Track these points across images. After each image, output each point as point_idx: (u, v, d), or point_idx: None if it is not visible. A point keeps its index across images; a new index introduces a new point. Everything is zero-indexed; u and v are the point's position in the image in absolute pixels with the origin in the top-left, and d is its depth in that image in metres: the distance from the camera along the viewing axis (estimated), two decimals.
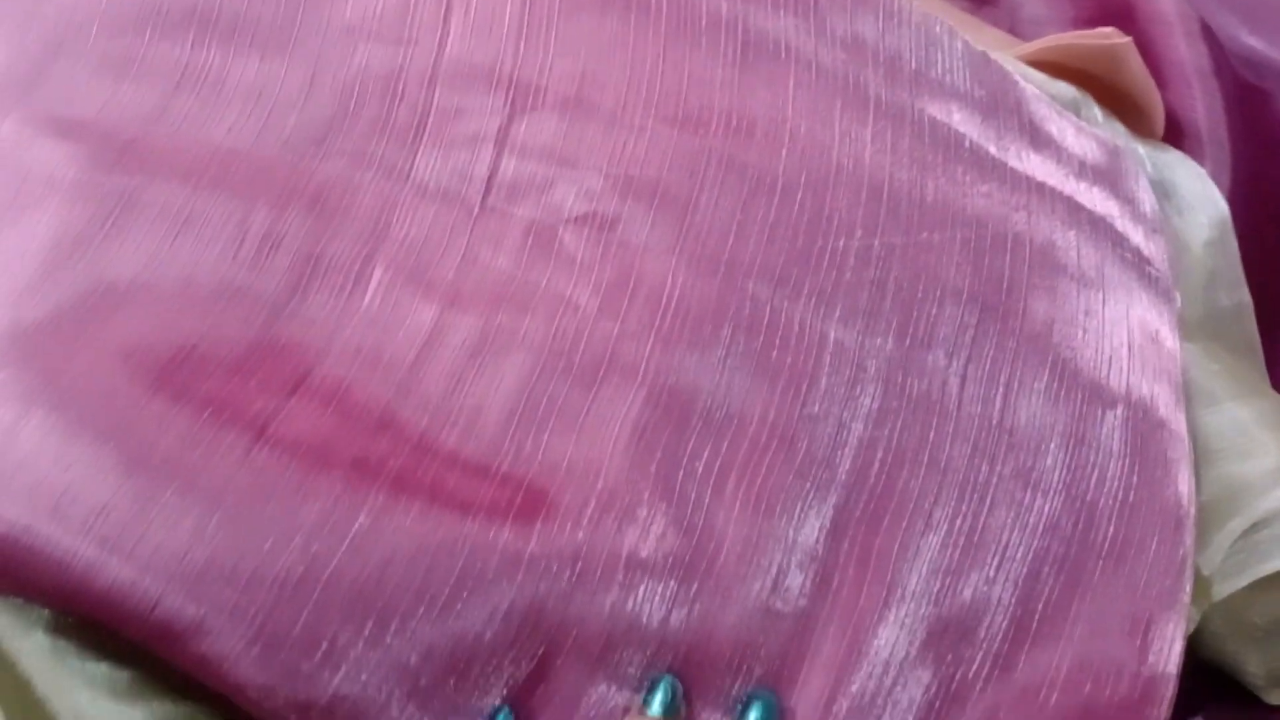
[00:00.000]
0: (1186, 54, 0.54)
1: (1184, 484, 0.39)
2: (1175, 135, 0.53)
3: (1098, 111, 0.48)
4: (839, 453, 0.37)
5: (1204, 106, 0.53)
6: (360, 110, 0.41)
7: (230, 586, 0.33)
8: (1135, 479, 0.38)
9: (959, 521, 0.37)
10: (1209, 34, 0.55)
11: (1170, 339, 0.41)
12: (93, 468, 0.33)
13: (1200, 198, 0.48)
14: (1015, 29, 0.59)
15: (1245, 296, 0.48)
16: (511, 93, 0.41)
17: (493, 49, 0.41)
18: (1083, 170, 0.43)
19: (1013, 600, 0.37)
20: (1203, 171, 0.49)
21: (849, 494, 0.37)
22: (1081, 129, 0.45)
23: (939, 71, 0.43)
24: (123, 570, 0.32)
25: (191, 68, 0.41)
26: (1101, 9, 0.57)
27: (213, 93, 0.41)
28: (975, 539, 0.37)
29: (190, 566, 0.33)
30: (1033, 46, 0.48)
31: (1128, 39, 0.46)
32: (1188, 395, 0.42)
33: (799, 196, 0.39)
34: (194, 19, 0.42)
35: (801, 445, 0.37)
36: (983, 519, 0.37)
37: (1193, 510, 0.39)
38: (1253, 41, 0.59)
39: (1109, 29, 0.47)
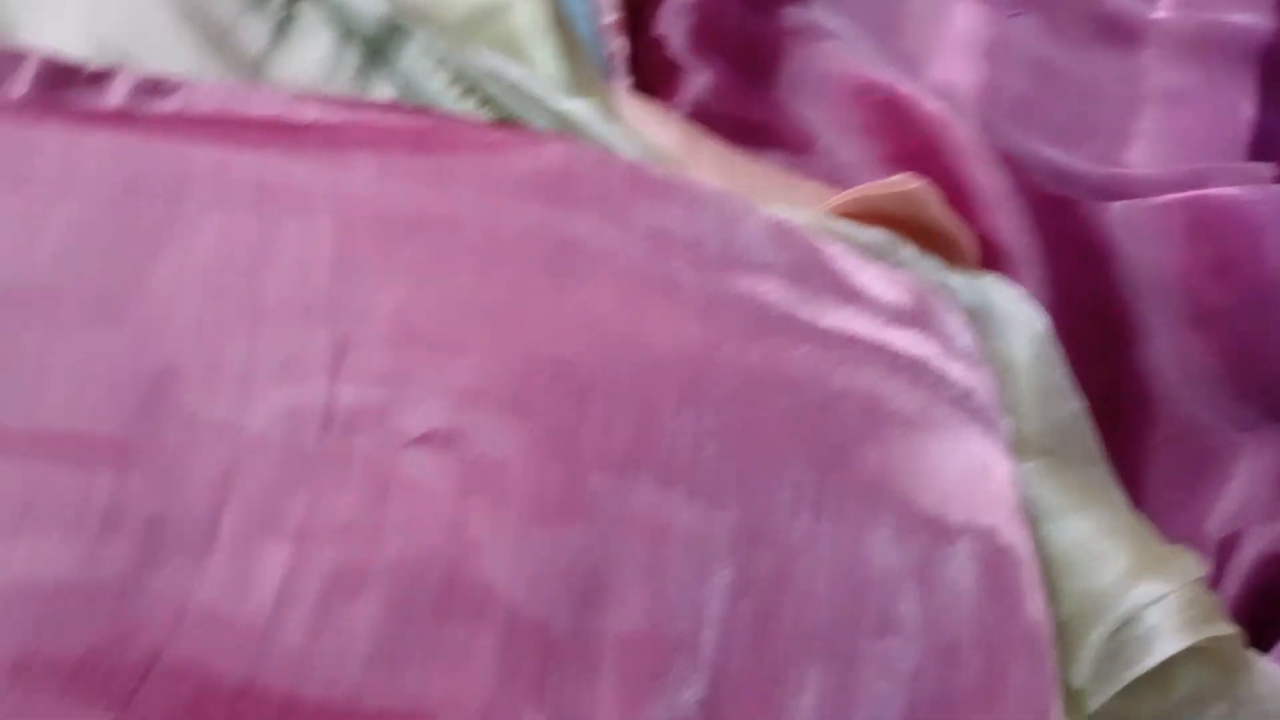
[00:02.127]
0: (986, 180, 0.57)
1: (1036, 608, 0.40)
2: (992, 258, 0.55)
3: (910, 251, 0.50)
4: (701, 634, 0.38)
5: (1011, 228, 0.56)
6: (188, 369, 0.41)
7: None
8: (989, 612, 0.40)
9: (828, 682, 0.38)
10: (1004, 157, 0.58)
11: (1001, 467, 0.43)
12: None
13: (1019, 317, 0.50)
14: (832, 174, 0.62)
15: (1077, 404, 0.50)
16: (338, 333, 0.42)
17: (312, 290, 0.43)
18: (895, 316, 0.45)
19: None
20: (1017, 291, 0.51)
21: (715, 673, 0.37)
22: (890, 276, 0.47)
23: (741, 247, 0.45)
24: None
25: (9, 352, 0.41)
26: (904, 146, 0.60)
27: (34, 374, 0.41)
28: (846, 699, 0.38)
29: None
30: (839, 199, 0.51)
31: (920, 183, 0.49)
32: (1033, 515, 0.44)
33: (627, 388, 0.41)
34: (6, 301, 0.42)
35: (664, 632, 0.38)
36: (851, 677, 0.38)
37: (1049, 632, 0.40)
38: (1052, 153, 0.63)
39: (902, 175, 0.50)
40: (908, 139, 0.60)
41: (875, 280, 0.46)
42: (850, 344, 0.44)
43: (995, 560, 0.41)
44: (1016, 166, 0.59)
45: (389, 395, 0.41)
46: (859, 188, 0.51)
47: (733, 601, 0.38)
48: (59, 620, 0.36)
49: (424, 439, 0.40)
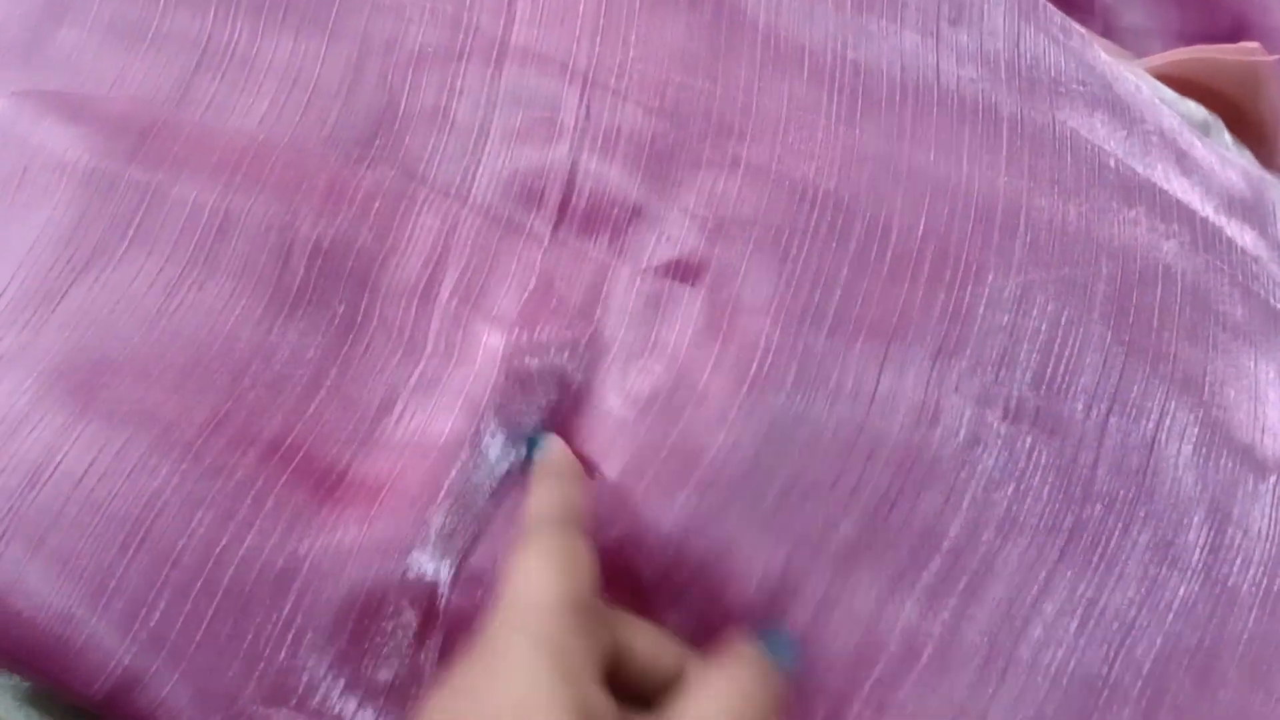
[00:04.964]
0: None
1: None
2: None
3: (1227, 137, 0.43)
4: (948, 519, 0.32)
5: None
6: (413, 107, 0.35)
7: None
8: None
9: (1081, 589, 0.32)
10: None
11: None
12: (140, 544, 0.28)
13: None
14: (1110, 37, 0.54)
15: None
16: (587, 97, 0.35)
17: (564, 42, 0.36)
18: (1230, 204, 0.38)
19: (1136, 689, 0.32)
20: None
21: (953, 560, 0.32)
22: (1225, 158, 0.39)
23: (1078, 81, 0.38)
24: (173, 689, 0.28)
25: (215, 43, 0.35)
26: (1210, 21, 0.52)
27: (240, 74, 0.35)
28: (1095, 617, 0.32)
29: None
30: (1160, 59, 0.43)
31: (1274, 57, 0.41)
32: None
33: (918, 240, 0.34)
34: None
35: (902, 513, 0.32)
36: (1109, 591, 0.32)
37: None
38: None
39: (1252, 44, 0.42)
40: (1217, 14, 0.52)
41: (1211, 157, 0.39)
42: (1184, 217, 0.37)
43: None
44: None
45: (635, 199, 0.34)
46: (1189, 49, 0.43)
47: (992, 490, 0.32)
48: (254, 384, 0.31)
49: (668, 267, 0.33)
